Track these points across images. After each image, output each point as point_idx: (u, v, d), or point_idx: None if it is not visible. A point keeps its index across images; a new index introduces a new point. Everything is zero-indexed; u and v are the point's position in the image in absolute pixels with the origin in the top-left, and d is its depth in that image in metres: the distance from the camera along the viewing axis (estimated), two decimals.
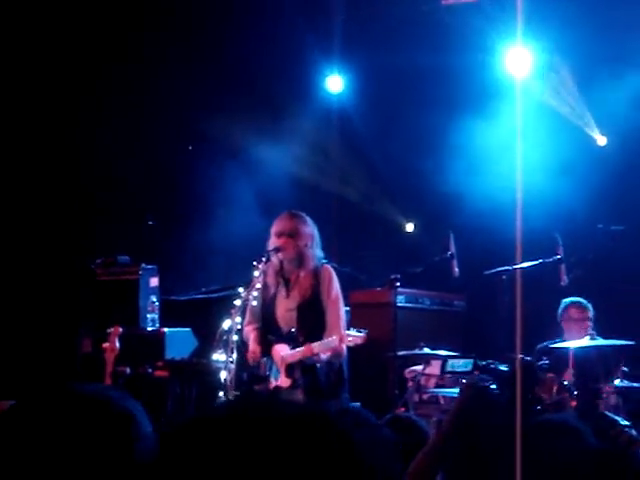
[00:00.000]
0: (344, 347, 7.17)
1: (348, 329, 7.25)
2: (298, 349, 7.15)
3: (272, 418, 1.57)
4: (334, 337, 7.07)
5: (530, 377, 7.44)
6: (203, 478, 1.55)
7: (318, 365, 7.17)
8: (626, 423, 6.27)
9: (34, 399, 1.94)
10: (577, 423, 2.61)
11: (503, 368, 7.36)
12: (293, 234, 7.27)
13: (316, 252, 7.39)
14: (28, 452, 1.85)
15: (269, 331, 7.42)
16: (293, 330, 7.31)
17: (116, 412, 1.91)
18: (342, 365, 7.28)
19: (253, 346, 7.42)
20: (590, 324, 8.72)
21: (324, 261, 7.48)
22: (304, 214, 7.47)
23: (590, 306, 8.84)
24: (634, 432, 6.48)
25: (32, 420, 1.89)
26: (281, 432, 1.55)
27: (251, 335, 7.46)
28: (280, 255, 7.29)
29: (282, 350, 7.28)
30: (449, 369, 7.80)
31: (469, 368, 7.50)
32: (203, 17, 11.11)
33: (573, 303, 8.87)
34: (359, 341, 7.04)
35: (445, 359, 7.99)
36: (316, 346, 7.08)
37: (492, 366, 7.28)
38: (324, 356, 7.15)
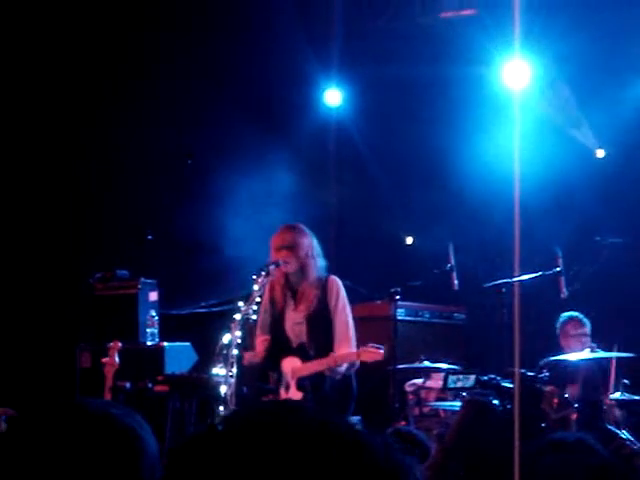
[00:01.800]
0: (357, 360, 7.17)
1: (364, 345, 7.22)
2: (320, 360, 7.13)
3: (292, 431, 1.55)
4: (351, 351, 7.08)
5: (533, 393, 7.43)
6: None
7: (326, 379, 7.15)
8: (628, 436, 6.26)
9: (37, 414, 1.92)
10: (593, 441, 2.60)
11: (505, 384, 7.35)
12: (292, 246, 7.26)
13: (318, 261, 7.39)
14: (31, 467, 1.84)
15: (279, 344, 7.42)
16: (303, 343, 7.31)
17: (120, 428, 1.89)
18: (351, 379, 7.27)
19: (258, 349, 7.41)
20: (587, 339, 8.72)
21: (327, 273, 7.47)
22: (301, 225, 7.47)
23: (587, 321, 8.84)
24: (636, 445, 6.46)
25: (35, 435, 1.88)
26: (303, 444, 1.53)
27: (260, 346, 7.45)
28: (283, 268, 7.28)
29: (292, 363, 7.28)
30: (451, 385, 7.79)
31: (471, 384, 7.49)
32: (200, 29, 11.12)
33: (570, 319, 8.87)
34: (377, 357, 7.03)
35: (447, 375, 7.98)
36: (339, 357, 7.08)
37: (494, 382, 7.27)
38: (343, 368, 7.14)
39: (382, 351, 7.02)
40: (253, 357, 7.39)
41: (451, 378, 7.83)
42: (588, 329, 8.81)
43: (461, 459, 3.43)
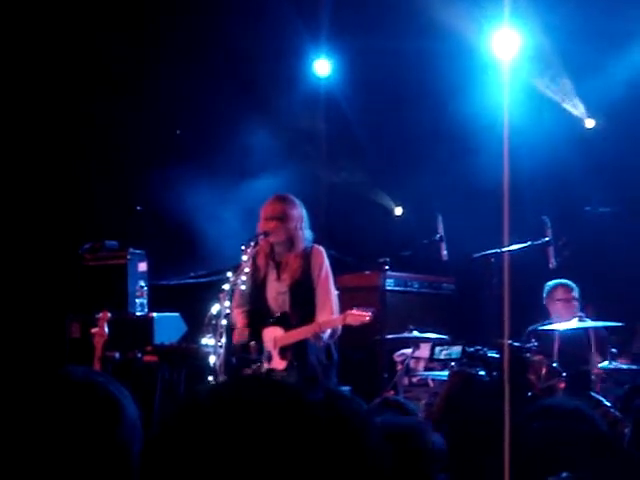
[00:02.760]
0: (339, 327, 7.16)
1: (341, 311, 7.22)
2: (305, 327, 7.13)
3: (266, 402, 1.56)
4: (338, 315, 7.07)
5: (520, 363, 7.46)
6: (202, 468, 1.53)
7: (308, 347, 7.16)
8: (609, 404, 6.26)
9: (19, 382, 1.94)
10: (590, 410, 2.61)
11: (492, 354, 7.38)
12: (282, 217, 7.25)
13: (306, 233, 7.38)
14: (11, 435, 1.85)
15: (260, 314, 7.42)
16: (286, 312, 7.31)
17: (101, 396, 1.91)
18: (331, 346, 7.28)
19: (241, 328, 7.42)
20: (576, 304, 8.77)
21: (313, 243, 7.47)
22: (292, 196, 7.45)
23: (576, 286, 8.88)
24: (618, 412, 6.49)
25: (16, 403, 1.89)
26: (276, 416, 1.54)
27: (239, 317, 7.46)
28: (270, 238, 7.28)
29: (274, 332, 7.28)
30: (438, 356, 7.81)
31: (458, 355, 7.51)
32: (188, 1, 11.06)
33: (559, 284, 8.90)
34: (365, 319, 6.98)
35: (433, 345, 8.00)
36: (324, 323, 7.07)
37: (481, 352, 7.29)
38: (326, 335, 7.13)
39: (369, 314, 6.99)
40: (241, 335, 7.39)
41: (438, 349, 7.85)
42: (577, 294, 8.84)
43: (448, 430, 3.44)
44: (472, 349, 7.47)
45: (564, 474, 2.27)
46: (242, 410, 1.54)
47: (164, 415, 1.67)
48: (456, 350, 7.59)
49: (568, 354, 8.05)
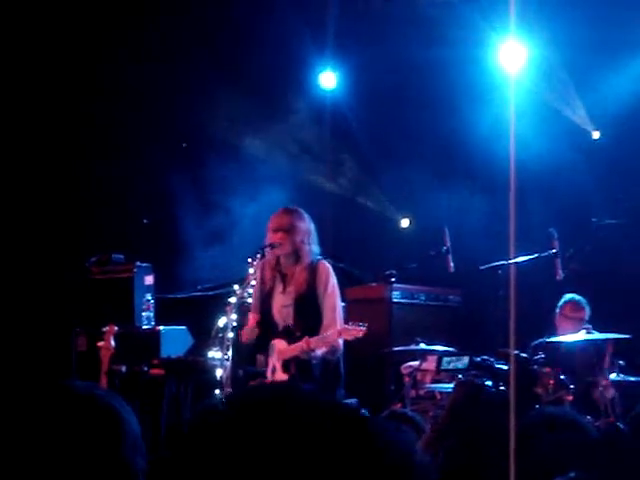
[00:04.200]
0: (341, 342, 7.15)
1: (346, 324, 7.21)
2: (296, 344, 7.13)
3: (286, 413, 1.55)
4: (331, 331, 7.06)
5: (528, 375, 7.43)
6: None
7: (314, 361, 7.15)
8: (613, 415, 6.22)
9: (20, 395, 1.94)
10: (579, 417, 2.60)
11: (499, 365, 7.35)
12: (289, 230, 7.24)
13: (312, 248, 7.37)
14: (12, 447, 1.85)
15: (266, 326, 7.41)
16: (290, 325, 7.30)
17: (101, 409, 1.91)
18: (339, 361, 7.26)
19: (249, 327, 7.40)
20: (582, 324, 8.61)
21: (320, 257, 7.46)
22: (301, 209, 7.44)
23: (586, 305, 8.76)
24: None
25: (17, 416, 1.89)
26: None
27: (252, 320, 7.45)
28: (277, 251, 7.27)
29: (279, 345, 7.28)
30: (445, 367, 7.79)
31: (465, 365, 7.48)
32: (196, 12, 11.07)
33: (569, 301, 8.82)
34: (359, 334, 6.97)
35: (440, 357, 7.97)
36: (313, 341, 7.07)
37: (488, 363, 7.26)
38: (319, 352, 7.12)
39: (363, 329, 6.97)
40: (250, 333, 7.37)
41: (445, 360, 7.83)
42: (586, 314, 8.72)
43: (453, 441, 3.43)
44: (479, 359, 7.44)
45: (572, 474, 2.27)
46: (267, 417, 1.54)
47: (190, 423, 1.66)
48: (463, 361, 7.57)
49: (575, 366, 8.02)
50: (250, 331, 7.39)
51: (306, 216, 7.39)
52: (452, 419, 3.54)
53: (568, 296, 8.84)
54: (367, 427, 1.58)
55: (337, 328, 7.07)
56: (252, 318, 7.48)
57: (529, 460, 2.37)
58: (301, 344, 7.09)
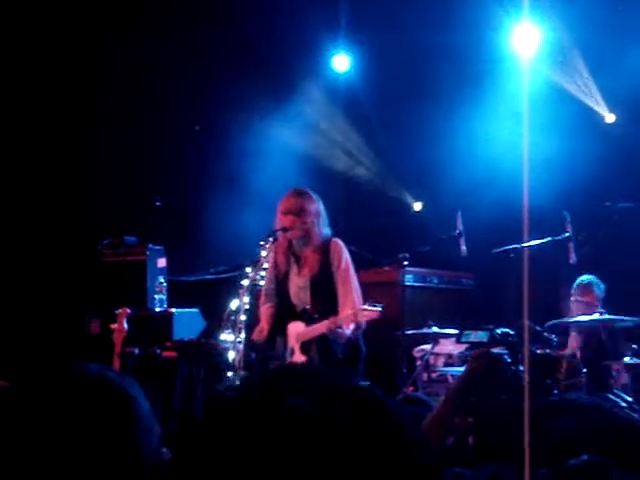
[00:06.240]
0: (363, 320, 7.09)
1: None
2: (321, 323, 7.07)
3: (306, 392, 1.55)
4: (350, 312, 7.01)
5: (549, 362, 7.41)
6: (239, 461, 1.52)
7: (339, 341, 7.09)
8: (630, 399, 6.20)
9: (29, 379, 1.94)
10: (610, 405, 2.58)
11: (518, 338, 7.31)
12: (299, 212, 7.21)
13: (323, 229, 7.34)
14: (22, 432, 1.84)
15: (284, 309, 7.41)
16: (307, 307, 7.29)
17: (112, 391, 1.90)
18: (358, 338, 7.23)
19: (262, 324, 7.42)
20: (596, 308, 8.58)
21: (331, 236, 7.43)
22: (310, 191, 7.41)
23: (596, 288, 8.73)
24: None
25: (26, 400, 1.88)
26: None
27: (264, 315, 7.46)
28: (288, 235, 7.26)
29: (297, 327, 7.27)
30: (465, 339, 7.78)
31: (486, 337, 7.46)
32: None
33: (579, 284, 8.80)
34: (374, 316, 6.92)
35: (462, 329, 7.96)
36: (338, 319, 7.00)
37: (509, 338, 7.22)
38: (346, 331, 7.06)
39: (379, 309, 6.93)
40: (259, 335, 7.37)
41: (465, 332, 7.82)
42: (596, 296, 8.71)
43: (467, 415, 3.40)
44: (500, 333, 7.39)
45: (585, 456, 2.25)
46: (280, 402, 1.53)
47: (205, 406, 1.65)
48: (484, 334, 7.54)
49: (588, 349, 8.01)
50: (259, 331, 7.39)
51: (315, 197, 7.36)
52: (467, 391, 3.50)
53: (579, 279, 8.83)
54: (384, 407, 1.58)
55: (353, 306, 7.03)
56: (264, 310, 7.47)
57: (547, 440, 2.36)
58: (328, 323, 7.00)
